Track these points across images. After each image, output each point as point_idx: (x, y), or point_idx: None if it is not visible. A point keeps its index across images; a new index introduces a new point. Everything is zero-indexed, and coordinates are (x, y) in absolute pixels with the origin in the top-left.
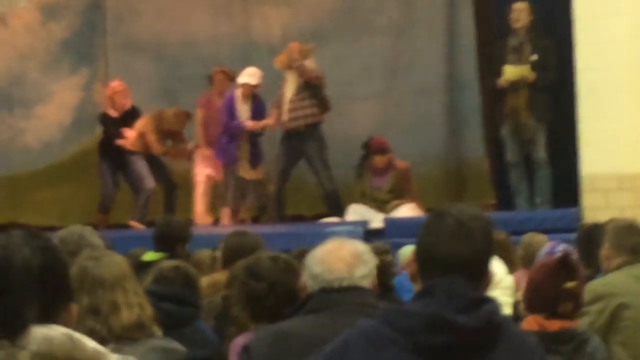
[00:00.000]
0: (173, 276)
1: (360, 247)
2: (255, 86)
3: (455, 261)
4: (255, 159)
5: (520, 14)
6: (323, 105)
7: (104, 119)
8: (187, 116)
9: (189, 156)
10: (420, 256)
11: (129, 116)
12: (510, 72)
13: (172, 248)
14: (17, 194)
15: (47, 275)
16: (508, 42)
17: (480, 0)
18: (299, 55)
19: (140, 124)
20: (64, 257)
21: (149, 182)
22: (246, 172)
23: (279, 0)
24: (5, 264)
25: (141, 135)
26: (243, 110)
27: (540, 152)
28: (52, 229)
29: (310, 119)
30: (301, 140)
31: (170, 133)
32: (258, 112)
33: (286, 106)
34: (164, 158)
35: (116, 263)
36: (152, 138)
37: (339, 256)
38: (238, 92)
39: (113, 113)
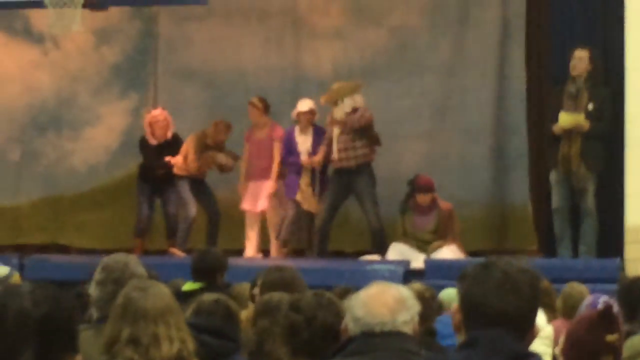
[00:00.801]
0: (213, 309)
1: (404, 292)
2: (308, 113)
3: (500, 315)
4: (321, 189)
5: (580, 61)
6: (373, 143)
7: (142, 144)
8: (227, 127)
9: (222, 166)
10: (465, 307)
11: (169, 145)
12: (566, 119)
13: (211, 278)
14: (61, 215)
15: (48, 325)
16: (565, 88)
17: (533, 44)
18: (345, 93)
19: (185, 145)
20: (70, 310)
21: (192, 209)
22: (310, 205)
23: (331, 34)
24: (1, 311)
25: (185, 157)
26: (303, 142)
27: (589, 202)
28: (94, 251)
29: (362, 159)
30: (351, 177)
31: (213, 147)
32: (319, 143)
33: (336, 144)
34: (211, 186)
35: (161, 295)
36: (192, 156)
37: (382, 300)
38: (297, 126)
39: (152, 140)
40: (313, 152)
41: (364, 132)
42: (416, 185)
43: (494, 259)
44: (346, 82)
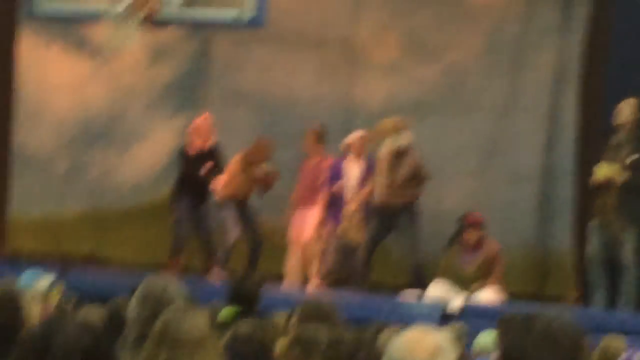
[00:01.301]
0: (249, 338)
1: (444, 338)
2: (357, 140)
3: None
4: (366, 219)
5: (623, 110)
6: (421, 181)
7: (181, 155)
8: (270, 145)
9: (266, 175)
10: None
11: (209, 155)
12: (600, 170)
13: (248, 303)
14: (103, 229)
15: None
16: (611, 138)
17: (587, 91)
18: (392, 131)
19: (230, 166)
20: (111, 345)
21: (234, 233)
22: (353, 235)
23: (385, 68)
24: (46, 344)
25: (231, 176)
26: (350, 172)
27: (627, 254)
28: (134, 266)
29: (408, 198)
30: (396, 213)
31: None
32: (369, 173)
33: (383, 180)
34: (255, 211)
35: (199, 322)
36: (238, 175)
37: (421, 346)
38: (347, 156)
39: (191, 150)
40: (361, 182)
41: (412, 175)
42: (465, 222)
43: (537, 312)
44: (392, 120)
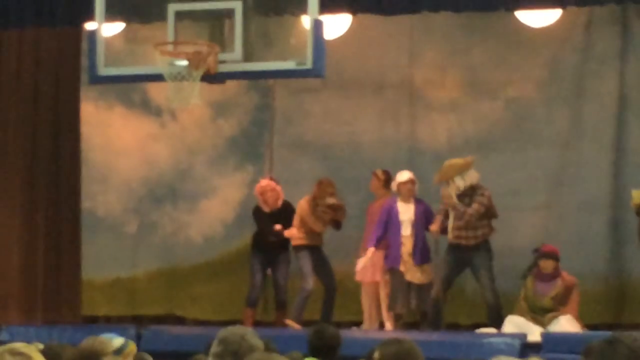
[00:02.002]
0: None
1: None
2: (408, 182)
3: None
4: (421, 260)
5: None
6: (491, 217)
7: (257, 213)
8: (330, 183)
9: (334, 206)
10: None
11: (282, 212)
12: (635, 195)
13: (328, 354)
14: (177, 287)
15: None
16: None
17: None
18: (455, 172)
19: (298, 213)
20: None
21: (310, 281)
22: (413, 275)
23: (446, 106)
24: None
25: (302, 221)
26: (404, 212)
27: None
28: (209, 323)
29: (481, 238)
30: (470, 253)
31: (330, 208)
32: (424, 214)
33: (452, 222)
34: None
35: None
36: (311, 219)
37: None
38: (398, 197)
39: (266, 208)
40: (416, 222)
41: (483, 214)
42: (541, 252)
43: (620, 335)
44: (457, 160)
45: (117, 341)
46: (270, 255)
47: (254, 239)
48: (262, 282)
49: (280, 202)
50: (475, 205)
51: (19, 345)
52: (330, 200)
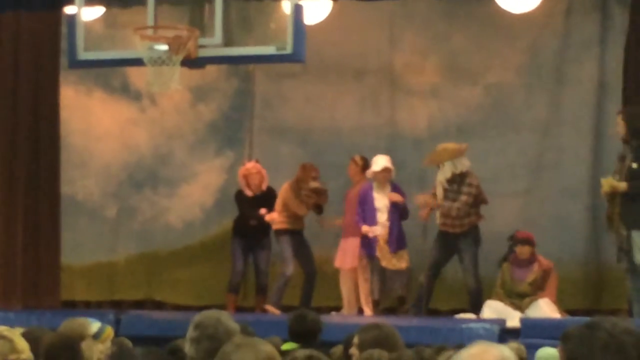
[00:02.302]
0: None
1: (506, 352)
2: (382, 171)
3: None
4: (396, 246)
5: (617, 127)
6: (479, 204)
7: (239, 196)
8: (314, 167)
9: (318, 190)
10: None
11: (265, 197)
12: (603, 184)
13: (308, 340)
14: (156, 272)
15: None
16: (620, 151)
17: (630, 103)
18: (447, 157)
19: (281, 196)
20: None
21: (290, 267)
22: (388, 262)
23: (426, 92)
24: None
25: (285, 205)
26: (380, 199)
27: (635, 261)
28: (188, 308)
29: (468, 225)
30: (457, 239)
31: (313, 192)
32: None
33: (441, 208)
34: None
35: (255, 351)
36: (294, 202)
37: (485, 358)
38: (374, 183)
39: (248, 192)
40: (391, 208)
41: (472, 202)
42: (515, 238)
43: (599, 320)
44: (451, 145)
45: (94, 326)
46: (252, 240)
47: (235, 223)
48: (243, 267)
49: (264, 186)
50: (463, 198)
51: (1, 329)
52: (314, 184)
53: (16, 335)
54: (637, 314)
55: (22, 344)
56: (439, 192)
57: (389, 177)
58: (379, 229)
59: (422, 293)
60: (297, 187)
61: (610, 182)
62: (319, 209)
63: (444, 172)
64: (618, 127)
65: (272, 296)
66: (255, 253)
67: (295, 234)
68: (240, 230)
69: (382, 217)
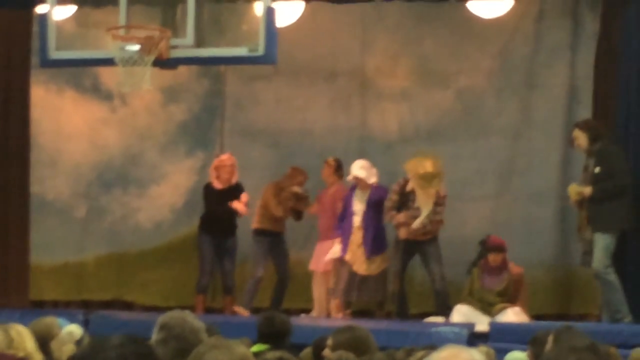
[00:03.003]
0: None
1: (477, 356)
2: (364, 181)
3: None
4: (371, 251)
5: (577, 141)
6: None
7: (207, 189)
8: (302, 173)
9: (297, 195)
10: None
11: (233, 190)
12: (571, 191)
13: (277, 342)
14: (125, 272)
15: None
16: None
17: (600, 108)
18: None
19: (263, 191)
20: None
21: (260, 269)
22: (359, 266)
23: (397, 95)
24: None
25: (264, 205)
26: (358, 203)
27: (597, 264)
28: (157, 309)
29: (433, 234)
30: (421, 243)
31: (293, 196)
32: (378, 202)
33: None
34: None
35: (230, 354)
36: (273, 202)
37: None
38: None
39: (217, 185)
40: (367, 211)
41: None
42: (488, 245)
43: (566, 325)
44: (434, 163)
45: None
46: (219, 238)
47: (203, 220)
48: (212, 267)
49: (234, 180)
50: (438, 218)
51: (10, 325)
52: (295, 189)
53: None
54: (606, 318)
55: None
56: (425, 208)
57: (367, 184)
58: (337, 251)
59: (399, 300)
60: (279, 188)
61: (575, 189)
62: (298, 214)
63: (430, 194)
64: (579, 140)
65: (244, 298)
66: (222, 254)
67: (273, 236)
68: (208, 227)
69: (357, 221)
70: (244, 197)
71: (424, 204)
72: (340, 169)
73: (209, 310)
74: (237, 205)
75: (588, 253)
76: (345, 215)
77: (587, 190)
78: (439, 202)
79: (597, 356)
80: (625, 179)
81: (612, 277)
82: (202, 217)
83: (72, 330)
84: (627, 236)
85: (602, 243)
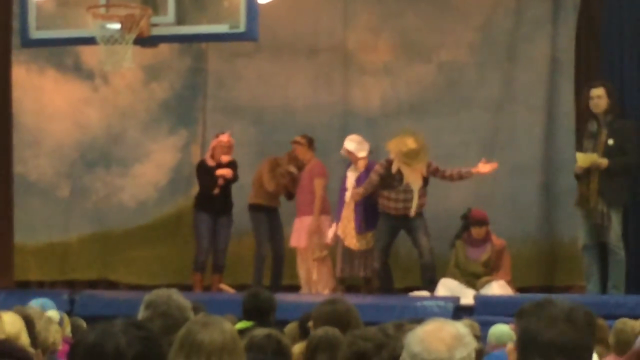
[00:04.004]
0: (265, 344)
1: (462, 329)
2: (364, 159)
3: (557, 347)
4: (359, 228)
5: (598, 100)
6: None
7: (201, 166)
8: (302, 162)
9: (292, 174)
10: (522, 343)
11: (226, 166)
12: (582, 159)
13: (262, 318)
14: (110, 251)
15: None
16: (588, 127)
17: (582, 80)
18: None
19: (258, 170)
20: (161, 347)
21: (264, 247)
22: (350, 241)
23: (379, 71)
24: (98, 350)
25: (259, 179)
26: (350, 178)
27: (613, 238)
28: (142, 288)
29: (423, 207)
30: (407, 219)
31: (288, 174)
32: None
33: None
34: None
35: (221, 331)
36: (267, 176)
37: (439, 337)
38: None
39: (210, 162)
40: (357, 187)
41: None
42: (471, 219)
43: (550, 298)
44: (420, 141)
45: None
46: (215, 216)
47: (198, 198)
48: (209, 245)
49: (227, 158)
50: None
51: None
52: (292, 169)
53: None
54: (613, 291)
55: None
56: (416, 186)
57: (364, 164)
58: (331, 231)
59: (382, 277)
60: (276, 164)
61: (592, 158)
62: (289, 195)
63: (421, 168)
64: (599, 100)
65: (253, 276)
66: (215, 231)
67: (270, 212)
68: (204, 204)
69: (349, 195)
70: (227, 171)
71: (414, 181)
72: (312, 144)
73: (191, 288)
74: (222, 170)
75: (601, 226)
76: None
77: (604, 162)
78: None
79: (576, 326)
80: (637, 156)
81: (623, 252)
82: (197, 195)
83: (51, 315)
84: (629, 212)
85: (617, 218)
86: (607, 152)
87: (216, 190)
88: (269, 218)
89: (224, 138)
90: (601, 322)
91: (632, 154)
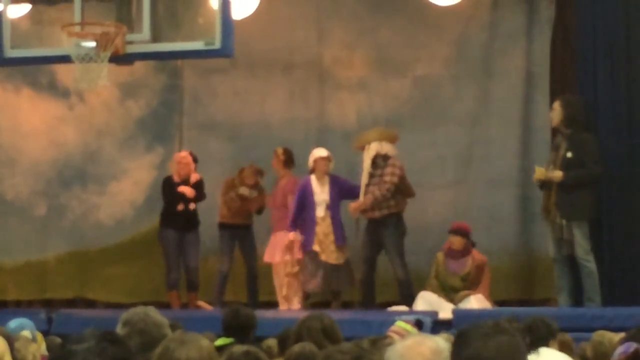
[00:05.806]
0: (245, 357)
1: (442, 344)
2: (325, 159)
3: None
4: (342, 240)
5: (553, 113)
6: (407, 195)
7: (167, 182)
8: (256, 170)
9: (241, 196)
10: None
11: (193, 185)
12: (537, 172)
13: (242, 335)
14: (87, 270)
15: None
16: (553, 140)
17: (558, 94)
18: (375, 136)
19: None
20: (132, 356)
21: (225, 264)
22: (328, 256)
23: (354, 85)
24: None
25: (221, 204)
26: (320, 193)
27: (579, 252)
28: (120, 306)
29: (387, 210)
30: (378, 229)
31: (238, 197)
32: (342, 191)
33: (363, 195)
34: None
35: (198, 348)
36: (221, 199)
37: (418, 351)
38: (312, 175)
39: (176, 178)
40: (332, 202)
41: (396, 187)
42: (450, 229)
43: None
44: (377, 129)
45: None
46: (181, 233)
47: (163, 215)
48: (178, 261)
49: (193, 177)
50: (386, 178)
51: None
52: (242, 190)
53: None
54: (589, 300)
55: None
56: (364, 178)
57: (329, 167)
58: (294, 233)
59: (366, 288)
60: (229, 187)
61: (544, 172)
62: (257, 211)
63: (369, 151)
64: (554, 113)
65: (214, 295)
66: (184, 249)
67: (237, 229)
68: (169, 221)
69: (321, 211)
70: (187, 189)
71: (363, 177)
72: (290, 160)
73: (169, 306)
74: (184, 188)
75: (562, 240)
76: (304, 207)
77: (558, 175)
78: (384, 173)
79: (508, 335)
80: (597, 168)
81: (592, 264)
82: (163, 212)
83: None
84: (602, 224)
85: (580, 231)
86: (565, 165)
87: (180, 206)
88: (235, 236)
89: (182, 154)
90: (566, 337)
91: (590, 167)
